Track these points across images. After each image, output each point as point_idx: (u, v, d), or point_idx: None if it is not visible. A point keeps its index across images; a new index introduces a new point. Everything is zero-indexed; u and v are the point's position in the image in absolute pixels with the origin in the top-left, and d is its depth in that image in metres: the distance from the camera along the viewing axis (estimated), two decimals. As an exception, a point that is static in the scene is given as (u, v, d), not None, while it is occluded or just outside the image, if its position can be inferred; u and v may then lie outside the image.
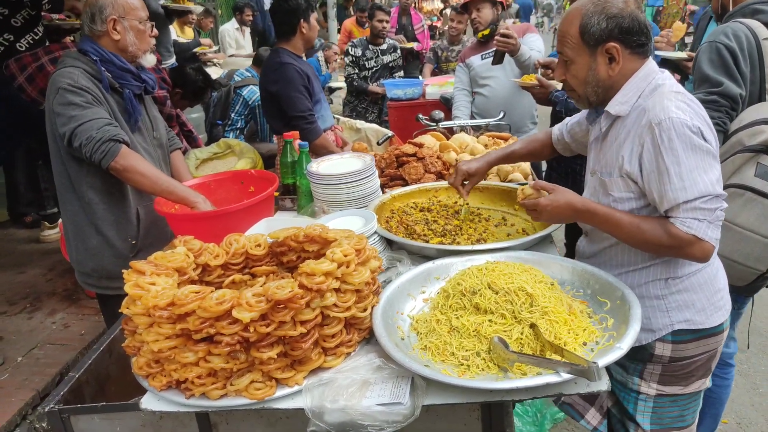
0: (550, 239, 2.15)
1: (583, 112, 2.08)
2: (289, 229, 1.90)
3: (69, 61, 2.46)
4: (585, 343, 1.52)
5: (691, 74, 2.68)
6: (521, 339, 1.50)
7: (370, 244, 2.03)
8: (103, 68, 2.45)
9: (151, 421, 1.56)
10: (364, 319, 1.60)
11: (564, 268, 1.83)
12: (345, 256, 1.53)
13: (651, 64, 1.72)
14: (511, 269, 1.65)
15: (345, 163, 2.50)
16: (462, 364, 1.49)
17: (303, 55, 3.68)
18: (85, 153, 2.29)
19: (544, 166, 4.23)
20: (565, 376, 1.29)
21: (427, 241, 2.10)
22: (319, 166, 2.48)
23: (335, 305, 1.50)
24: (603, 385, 1.37)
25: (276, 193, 2.78)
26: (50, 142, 2.51)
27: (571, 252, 2.72)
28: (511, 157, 2.28)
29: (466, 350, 1.51)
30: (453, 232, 2.19)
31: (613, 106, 1.71)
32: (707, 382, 1.91)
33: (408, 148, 2.83)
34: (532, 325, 1.51)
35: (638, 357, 1.85)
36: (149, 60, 2.63)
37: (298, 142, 2.64)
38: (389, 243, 2.14)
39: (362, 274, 1.56)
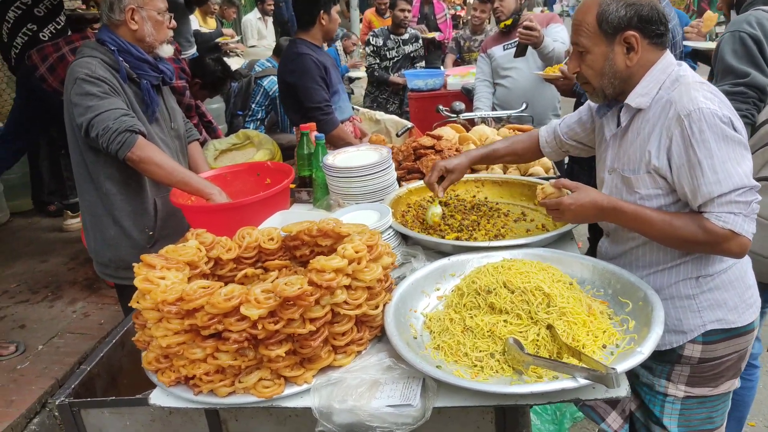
0: (570, 236, 2.09)
1: (580, 111, 2.01)
2: (303, 223, 1.87)
3: (87, 51, 2.45)
4: (605, 346, 1.47)
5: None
6: (537, 341, 1.45)
7: (385, 238, 1.99)
8: (121, 58, 2.44)
9: (161, 417, 1.55)
10: (375, 316, 1.57)
11: (584, 266, 1.77)
12: (356, 252, 1.50)
13: (669, 56, 1.65)
14: (528, 267, 1.59)
15: (361, 156, 2.46)
16: (475, 366, 1.45)
17: (323, 45, 3.64)
18: (102, 144, 2.29)
19: (566, 158, 4.14)
20: (582, 381, 1.24)
21: (443, 237, 2.06)
22: (335, 158, 2.45)
23: (346, 302, 1.47)
24: (622, 391, 1.31)
25: (292, 185, 2.75)
26: (68, 133, 2.52)
27: (594, 246, 2.64)
28: (492, 157, 2.21)
29: (480, 351, 1.47)
30: (470, 228, 2.14)
31: (634, 99, 1.64)
32: (736, 383, 1.85)
33: (426, 141, 2.78)
34: (549, 327, 1.46)
35: (665, 358, 1.79)
36: (166, 50, 2.61)
37: (314, 134, 2.61)
38: (404, 238, 2.10)
39: (374, 271, 1.52)
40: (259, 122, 5.26)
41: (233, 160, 3.68)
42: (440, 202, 2.19)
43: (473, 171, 2.73)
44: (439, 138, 2.83)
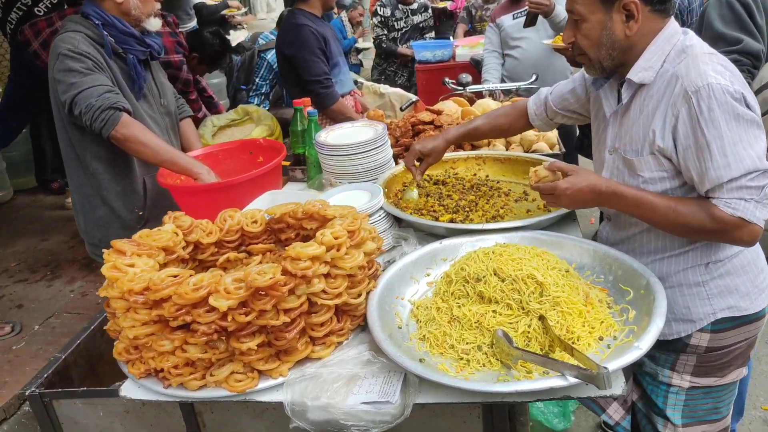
0: (573, 217, 1.97)
1: (573, 80, 1.87)
2: (288, 205, 1.78)
3: (71, 25, 2.36)
4: (601, 338, 1.37)
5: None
6: (528, 333, 1.35)
7: (376, 220, 1.90)
8: (106, 32, 2.34)
9: (134, 408, 1.49)
10: (358, 305, 1.48)
11: (584, 250, 1.66)
12: (335, 238, 1.40)
13: (674, 24, 1.50)
14: (522, 253, 1.49)
15: (355, 132, 2.35)
16: (461, 359, 1.36)
17: (323, 15, 3.50)
18: (86, 122, 2.21)
19: (576, 132, 3.99)
20: (572, 380, 1.14)
21: (437, 218, 1.95)
22: (328, 135, 2.34)
23: (324, 292, 1.38)
24: (617, 389, 1.21)
25: (287, 164, 2.66)
26: (54, 111, 2.45)
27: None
28: (473, 135, 2.09)
29: (467, 343, 1.38)
30: (467, 208, 2.03)
31: (636, 73, 1.50)
32: (744, 371, 1.74)
33: (425, 116, 2.65)
34: (541, 318, 1.36)
35: (670, 348, 1.68)
36: (153, 24, 2.50)
37: (308, 109, 2.50)
38: (398, 220, 2.00)
39: (355, 258, 1.43)
40: (263, 97, 5.15)
41: (231, 136, 3.59)
42: (418, 185, 2.14)
43: (474, 147, 2.61)
44: (439, 113, 2.70)
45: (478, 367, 1.33)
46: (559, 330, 1.35)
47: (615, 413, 1.87)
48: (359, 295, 1.47)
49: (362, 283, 1.48)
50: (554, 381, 1.16)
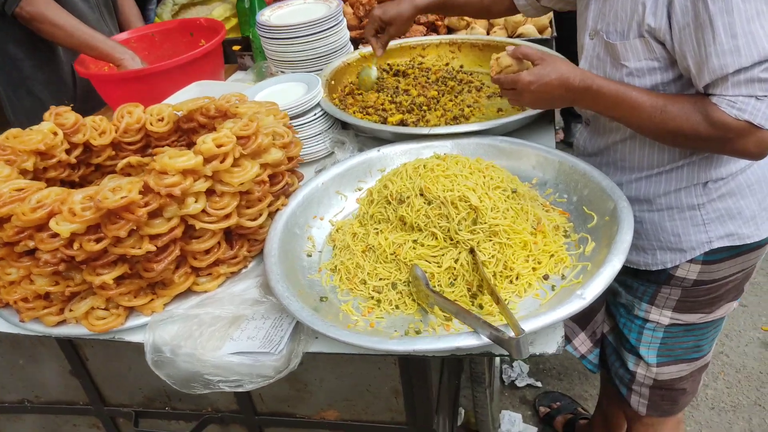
0: (549, 118, 1.63)
1: None
2: (198, 101, 1.49)
3: None
4: (547, 277, 1.10)
5: None
6: (454, 269, 1.09)
7: (311, 119, 1.59)
8: None
9: (7, 338, 1.29)
10: (257, 228, 1.22)
11: (549, 162, 1.35)
12: (218, 146, 1.11)
13: None
14: (460, 168, 1.18)
15: (307, 10, 1.97)
16: (372, 297, 1.11)
17: None
18: (-8, -3, 1.88)
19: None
20: (485, 340, 0.89)
21: (385, 120, 1.63)
22: (273, 14, 1.97)
23: (205, 213, 1.12)
24: (550, 347, 0.96)
25: (236, 48, 2.31)
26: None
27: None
28: (447, 5, 1.70)
29: (380, 279, 1.12)
30: (424, 107, 1.70)
31: None
32: (735, 305, 1.47)
33: (396, -9, 2.23)
34: (472, 251, 1.09)
35: (651, 278, 1.41)
36: None
37: (255, -18, 2.11)
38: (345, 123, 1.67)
39: (248, 170, 1.15)
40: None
41: (196, 16, 3.19)
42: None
43: (450, 30, 2.22)
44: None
45: (389, 310, 1.08)
46: (495, 266, 1.08)
47: (581, 345, 1.64)
48: (257, 217, 1.21)
49: (262, 201, 1.21)
50: (463, 340, 0.90)
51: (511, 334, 0.87)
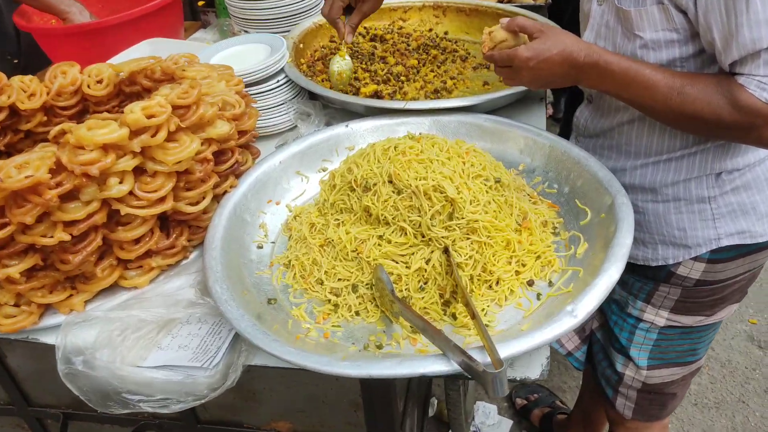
0: (540, 94, 1.47)
1: None
2: (143, 61, 1.30)
3: None
4: (531, 283, 0.95)
5: None
6: (425, 271, 0.93)
7: (275, 86, 1.41)
8: None
9: None
10: (201, 213, 1.05)
11: (538, 147, 1.19)
12: (149, 117, 0.93)
13: None
14: (437, 151, 1.02)
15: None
16: (329, 301, 0.95)
17: None
18: None
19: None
20: (455, 365, 0.74)
21: (358, 90, 1.45)
22: (238, -34, 1.76)
23: (133, 196, 0.94)
24: (533, 372, 0.82)
25: (200, 3, 2.10)
26: None
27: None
28: None
29: (340, 279, 0.96)
30: (402, 77, 1.52)
31: None
32: (736, 307, 1.34)
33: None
34: (446, 250, 0.93)
35: (649, 274, 1.27)
36: None
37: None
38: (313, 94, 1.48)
39: (185, 147, 0.97)
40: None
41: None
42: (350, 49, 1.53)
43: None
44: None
45: (348, 317, 0.92)
46: (472, 269, 0.93)
47: (568, 342, 1.51)
48: (200, 200, 1.03)
49: (206, 182, 1.04)
50: (430, 365, 0.75)
51: (487, 359, 0.72)
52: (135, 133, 0.93)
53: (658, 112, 1.01)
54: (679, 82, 0.97)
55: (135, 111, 0.93)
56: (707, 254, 1.19)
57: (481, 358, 0.73)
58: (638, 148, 1.18)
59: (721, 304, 1.29)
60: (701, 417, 2.19)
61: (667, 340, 1.35)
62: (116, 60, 1.55)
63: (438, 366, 0.74)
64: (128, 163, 0.92)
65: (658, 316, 1.31)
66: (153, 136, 0.93)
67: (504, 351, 0.73)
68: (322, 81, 1.48)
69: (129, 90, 1.32)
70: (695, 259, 1.20)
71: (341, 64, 1.40)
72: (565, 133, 2.89)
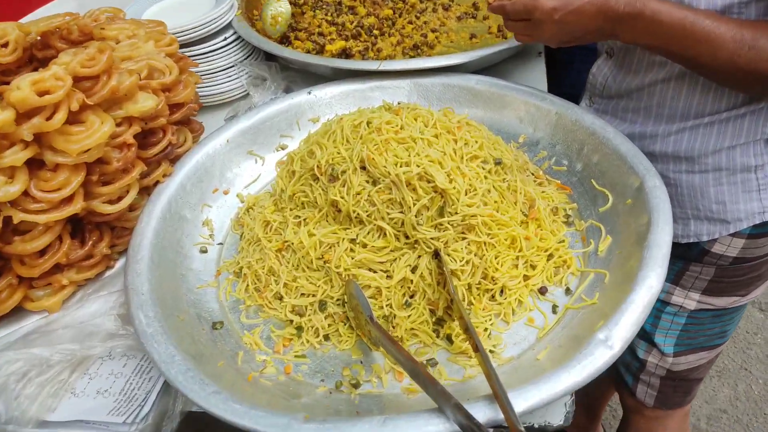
0: (540, 49, 1.25)
1: None
2: (57, 18, 1.06)
3: None
4: (544, 291, 0.76)
5: None
6: (411, 282, 0.73)
7: (220, 46, 1.18)
8: None
9: None
10: (127, 211, 0.83)
11: (542, 113, 0.98)
12: (41, 94, 0.71)
13: None
14: (421, 127, 0.81)
15: None
16: (291, 322, 0.75)
17: None
18: None
19: None
20: (453, 426, 0.55)
21: (322, 48, 1.22)
22: None
23: (30, 198, 0.72)
24: (556, 418, 0.63)
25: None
26: None
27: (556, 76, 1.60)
28: None
29: (303, 294, 0.76)
30: (375, 30, 1.29)
31: None
32: None
33: None
34: (437, 255, 0.73)
35: (678, 252, 1.09)
36: None
37: None
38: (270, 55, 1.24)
39: (94, 130, 0.74)
40: None
41: None
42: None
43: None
44: None
45: (315, 343, 0.73)
46: (470, 276, 0.73)
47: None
48: (124, 195, 0.82)
49: (128, 172, 0.82)
50: (424, 424, 0.56)
51: (499, 416, 0.53)
52: (24, 116, 0.70)
53: (717, 71, 0.81)
54: (750, 35, 0.77)
55: (22, 87, 0.70)
56: (748, 229, 1.02)
57: (491, 410, 0.55)
58: (674, 110, 0.98)
59: (758, 282, 1.13)
60: (703, 387, 2.07)
61: (697, 325, 1.19)
62: (28, 19, 1.29)
63: (434, 424, 0.55)
64: (17, 156, 0.70)
65: (688, 299, 1.15)
66: (49, 118, 0.71)
67: (521, 401, 0.55)
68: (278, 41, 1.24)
69: (42, 55, 1.07)
70: (734, 235, 1.03)
71: (276, 6, 1.17)
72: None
